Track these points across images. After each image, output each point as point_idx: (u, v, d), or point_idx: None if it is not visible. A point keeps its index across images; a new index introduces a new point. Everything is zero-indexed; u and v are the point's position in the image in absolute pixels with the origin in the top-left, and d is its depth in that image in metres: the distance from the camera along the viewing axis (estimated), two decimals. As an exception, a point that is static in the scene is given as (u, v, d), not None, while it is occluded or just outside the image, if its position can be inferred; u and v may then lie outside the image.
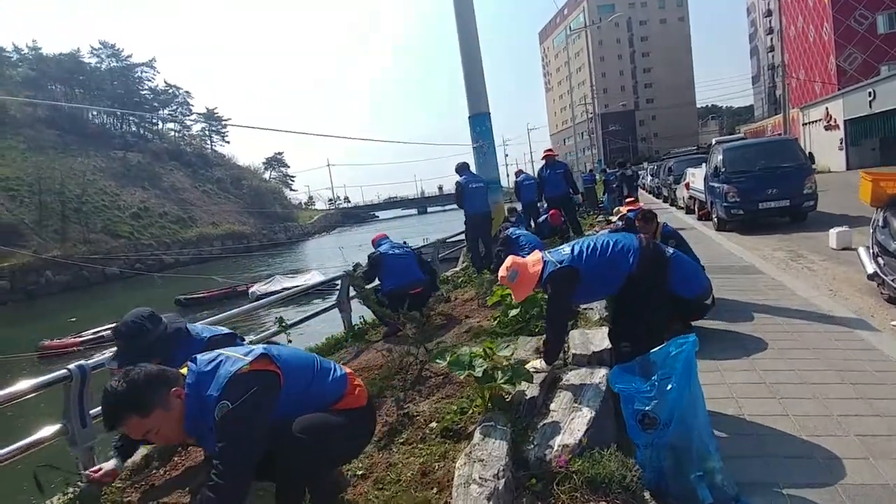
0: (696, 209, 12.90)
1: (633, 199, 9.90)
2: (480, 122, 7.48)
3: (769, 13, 57.43)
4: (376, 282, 4.95)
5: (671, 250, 3.92)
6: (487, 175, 7.58)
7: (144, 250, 39.66)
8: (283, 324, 4.18)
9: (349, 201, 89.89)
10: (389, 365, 3.31)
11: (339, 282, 5.29)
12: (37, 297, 30.57)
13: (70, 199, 39.36)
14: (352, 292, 5.12)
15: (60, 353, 13.41)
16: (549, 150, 9.95)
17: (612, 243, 2.82)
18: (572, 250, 2.86)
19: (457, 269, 8.13)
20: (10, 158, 39.72)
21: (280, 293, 5.76)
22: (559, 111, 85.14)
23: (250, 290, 17.56)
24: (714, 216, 10.72)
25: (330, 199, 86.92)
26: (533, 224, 9.69)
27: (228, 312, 4.00)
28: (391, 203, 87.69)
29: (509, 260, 2.93)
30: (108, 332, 14.49)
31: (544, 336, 2.94)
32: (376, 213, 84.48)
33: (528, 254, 5.28)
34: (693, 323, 3.98)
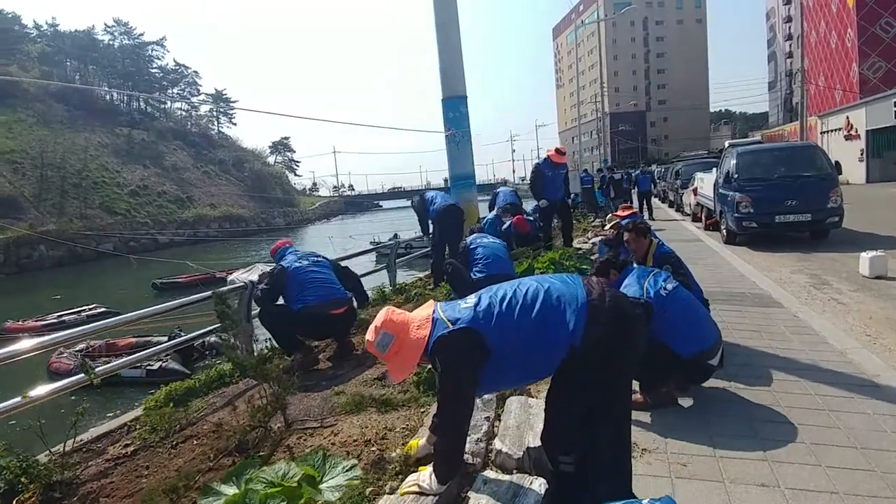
0: (703, 218, 11.84)
1: (627, 203, 8.82)
2: (454, 106, 6.51)
3: (789, 19, 55.69)
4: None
5: (670, 286, 2.95)
6: (460, 169, 6.63)
7: (140, 229, 39.04)
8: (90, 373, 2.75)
9: (353, 189, 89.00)
10: (228, 433, 2.30)
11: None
12: (28, 270, 30.05)
13: (70, 174, 38.88)
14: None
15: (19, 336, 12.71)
16: (561, 148, 8.07)
17: (542, 294, 1.81)
18: (478, 302, 1.87)
19: (422, 275, 7.14)
20: (17, 131, 39.35)
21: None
22: (569, 108, 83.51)
23: (228, 278, 16.63)
24: (723, 227, 9.68)
25: (334, 187, 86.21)
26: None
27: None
28: (395, 193, 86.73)
29: (383, 314, 1.92)
30: (71, 317, 13.70)
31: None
32: (380, 203, 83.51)
33: (485, 274, 4.39)
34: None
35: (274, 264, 4.05)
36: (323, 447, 2.20)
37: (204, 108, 66.57)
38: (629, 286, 2.96)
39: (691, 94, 73.99)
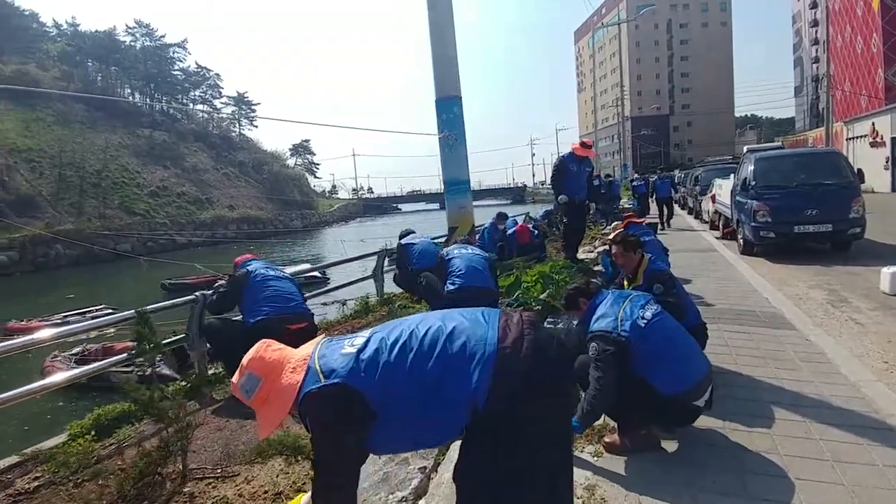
0: (721, 226, 11.28)
1: (631, 212, 8.35)
2: (448, 108, 6.18)
3: (815, 23, 54.08)
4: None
5: (650, 313, 2.57)
6: (454, 173, 6.30)
7: (158, 229, 39.57)
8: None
9: (372, 192, 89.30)
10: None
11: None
12: (45, 269, 30.57)
13: (90, 174, 39.60)
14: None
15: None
16: (587, 141, 7.07)
17: (443, 338, 1.44)
18: (363, 347, 1.47)
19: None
20: (35, 130, 40.17)
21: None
22: (590, 113, 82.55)
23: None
24: (739, 237, 9.15)
25: (354, 189, 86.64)
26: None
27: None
28: (414, 196, 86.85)
29: (254, 350, 1.55)
30: (76, 317, 13.73)
31: None
32: (398, 206, 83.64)
33: (458, 286, 4.04)
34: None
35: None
36: (227, 500, 1.89)
37: (226, 110, 67.58)
38: (603, 317, 2.59)
39: (716, 98, 72.31)
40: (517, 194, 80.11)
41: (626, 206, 18.44)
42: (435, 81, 6.23)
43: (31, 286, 25.75)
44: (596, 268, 6.49)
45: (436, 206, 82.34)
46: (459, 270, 4.02)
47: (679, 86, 76.48)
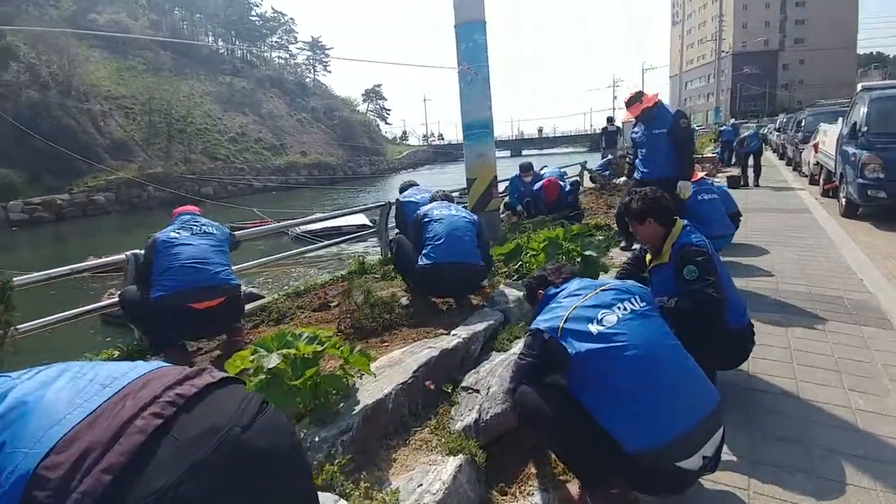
0: (821, 181, 9.43)
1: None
2: (468, 35, 5.21)
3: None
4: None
5: (618, 316, 1.75)
6: (473, 115, 5.38)
7: (237, 174, 41.48)
8: None
9: (443, 138, 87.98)
10: None
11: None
12: (138, 209, 33.13)
13: (176, 121, 41.76)
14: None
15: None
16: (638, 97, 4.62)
17: None
18: None
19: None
20: (127, 78, 42.66)
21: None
22: (686, 48, 74.35)
23: (290, 228, 16.86)
24: (841, 195, 7.51)
25: (424, 136, 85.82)
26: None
27: None
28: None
29: None
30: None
31: None
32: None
33: (430, 263, 3.22)
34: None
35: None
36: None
37: (301, 56, 68.21)
38: (550, 311, 1.82)
39: (836, 32, 62.03)
40: (595, 141, 75.49)
41: (711, 154, 16.24)
42: (454, 2, 5.24)
43: (122, 224, 28.01)
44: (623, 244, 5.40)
45: (507, 153, 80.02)
46: (436, 239, 3.25)
47: (792, 17, 66.38)
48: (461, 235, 3.27)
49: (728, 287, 2.49)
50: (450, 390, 2.31)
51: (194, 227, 3.10)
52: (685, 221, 2.64)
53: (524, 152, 77.66)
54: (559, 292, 1.95)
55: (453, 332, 2.70)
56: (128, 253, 3.26)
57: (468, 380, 2.34)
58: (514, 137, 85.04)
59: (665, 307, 2.35)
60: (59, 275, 3.02)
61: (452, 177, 30.96)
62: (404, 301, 3.45)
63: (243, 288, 8.35)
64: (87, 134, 33.58)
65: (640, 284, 2.00)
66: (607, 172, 11.63)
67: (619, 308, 1.79)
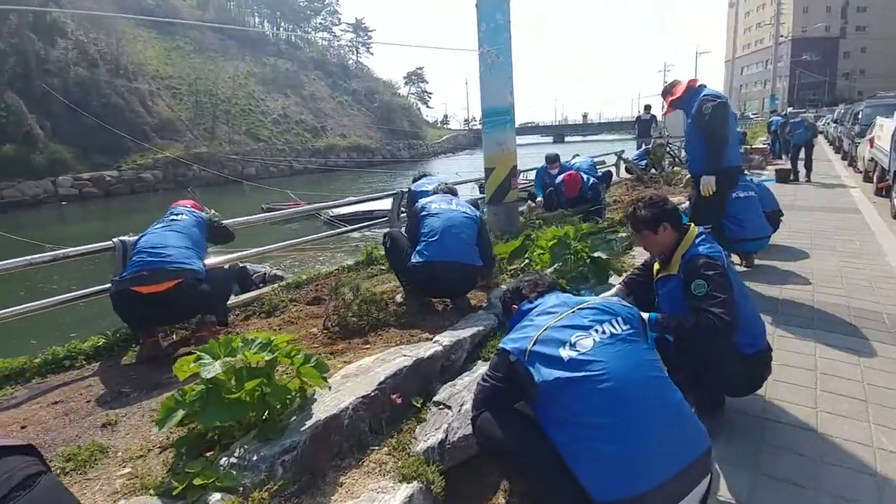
0: (875, 179, 8.68)
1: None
2: (490, 14, 4.96)
3: None
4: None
5: (594, 340, 1.59)
6: (493, 101, 5.14)
7: (278, 155, 42.31)
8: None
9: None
10: None
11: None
12: (183, 187, 34.27)
13: (221, 101, 42.80)
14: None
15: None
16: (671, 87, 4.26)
17: None
18: None
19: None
20: (175, 58, 43.92)
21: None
22: (742, 32, 70.29)
23: (323, 211, 17.03)
24: (894, 194, 6.84)
25: (465, 120, 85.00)
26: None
27: None
28: (526, 128, 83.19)
29: None
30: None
31: None
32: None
33: (422, 261, 3.01)
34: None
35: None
36: None
37: (345, 38, 68.42)
38: (521, 330, 1.64)
39: (898, 21, 57.28)
40: (643, 126, 72.72)
41: (761, 145, 15.24)
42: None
43: (169, 202, 29.01)
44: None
45: (549, 139, 78.40)
46: (431, 235, 3.06)
47: (854, 3, 61.52)
48: (458, 233, 3.07)
49: (743, 305, 2.20)
50: (420, 404, 2.15)
51: (166, 218, 3.07)
52: (701, 228, 2.36)
53: (567, 138, 75.99)
54: (533, 308, 1.75)
55: (436, 338, 2.53)
56: (115, 239, 3.23)
57: (442, 393, 2.17)
58: (557, 123, 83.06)
59: (665, 325, 2.12)
60: (42, 261, 3.02)
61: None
62: (399, 298, 3.31)
63: (266, 270, 8.49)
64: (135, 112, 34.78)
65: (626, 304, 1.77)
66: (644, 163, 11.08)
67: (596, 331, 1.58)
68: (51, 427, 2.29)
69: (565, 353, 1.51)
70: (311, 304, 3.51)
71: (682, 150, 12.97)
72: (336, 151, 46.71)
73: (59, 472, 1.81)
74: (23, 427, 2.25)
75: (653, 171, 10.50)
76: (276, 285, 3.88)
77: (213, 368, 1.74)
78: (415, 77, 77.93)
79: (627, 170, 11.50)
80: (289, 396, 1.85)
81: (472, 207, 3.30)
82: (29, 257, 2.97)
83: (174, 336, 3.16)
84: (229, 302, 3.42)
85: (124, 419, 2.25)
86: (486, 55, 5.04)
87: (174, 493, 1.59)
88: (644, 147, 11.91)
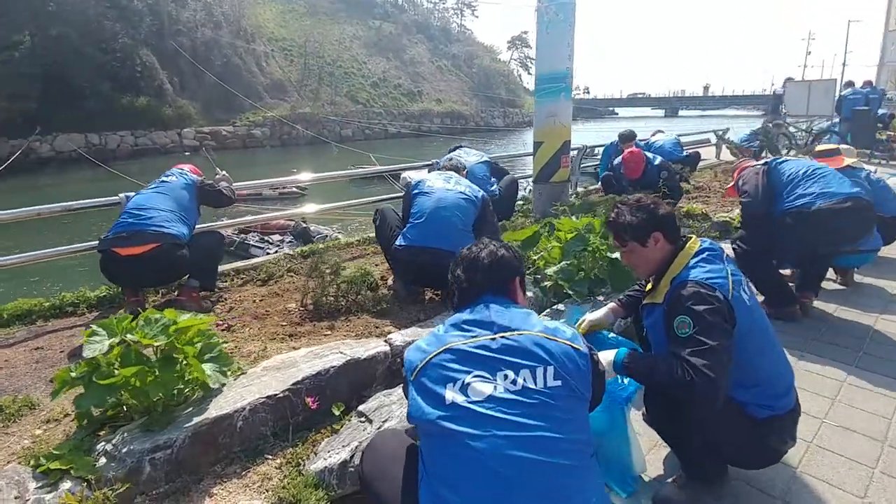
0: None
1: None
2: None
3: None
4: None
5: (525, 382, 1.19)
6: (549, 65, 4.60)
7: (374, 118, 43.36)
8: None
9: (588, 93, 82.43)
10: None
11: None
12: (288, 145, 36.44)
13: (326, 64, 44.40)
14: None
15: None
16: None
17: None
18: None
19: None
20: (289, 20, 46.04)
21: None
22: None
23: (402, 175, 17.17)
24: None
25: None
26: None
27: None
28: (634, 100, 77.68)
29: None
30: (269, 191, 15.67)
31: None
32: (615, 110, 75.98)
33: (404, 245, 2.64)
34: None
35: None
36: None
37: (450, 1, 67.41)
38: (414, 347, 1.32)
39: None
40: (775, 103, 64.48)
41: (813, 129, 11.72)
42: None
43: (274, 158, 30.98)
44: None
45: (661, 112, 72.50)
46: (419, 216, 2.72)
47: None
48: (448, 216, 2.70)
49: (759, 357, 1.60)
50: (339, 413, 1.88)
51: (158, 179, 3.02)
52: (706, 242, 1.74)
53: (681, 112, 69.91)
54: (457, 312, 1.36)
55: (390, 335, 2.23)
56: (121, 194, 3.26)
57: (371, 402, 1.88)
58: (668, 95, 76.41)
59: (631, 370, 1.57)
60: (50, 212, 3.12)
61: (584, 136, 28.82)
62: (391, 282, 3.04)
63: (303, 224, 8.57)
64: (251, 73, 37.13)
65: (579, 350, 1.25)
66: (755, 144, 9.63)
67: (506, 377, 1.16)
68: (14, 373, 2.34)
69: (451, 394, 1.14)
70: (309, 276, 3.36)
71: (803, 131, 11.05)
72: (430, 117, 46.87)
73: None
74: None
75: (764, 155, 9.08)
76: (280, 254, 3.78)
77: (99, 347, 1.59)
78: (518, 42, 75.29)
79: (733, 153, 10.05)
80: (177, 387, 1.67)
81: (474, 188, 2.89)
82: (38, 207, 3.09)
83: (161, 298, 3.16)
84: (229, 266, 3.37)
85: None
86: (545, 11, 4.46)
87: (38, 471, 1.50)
88: (754, 130, 10.35)
